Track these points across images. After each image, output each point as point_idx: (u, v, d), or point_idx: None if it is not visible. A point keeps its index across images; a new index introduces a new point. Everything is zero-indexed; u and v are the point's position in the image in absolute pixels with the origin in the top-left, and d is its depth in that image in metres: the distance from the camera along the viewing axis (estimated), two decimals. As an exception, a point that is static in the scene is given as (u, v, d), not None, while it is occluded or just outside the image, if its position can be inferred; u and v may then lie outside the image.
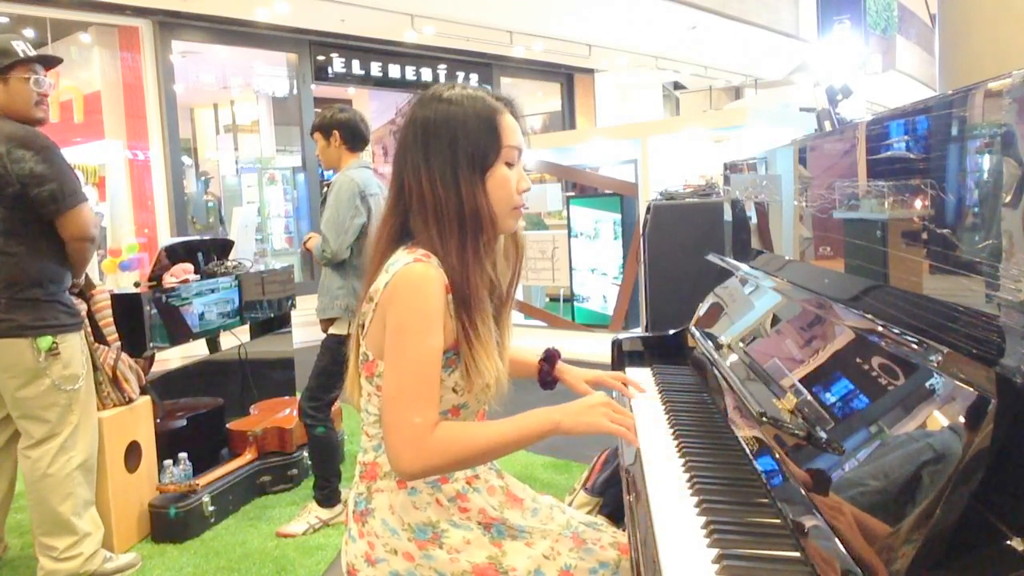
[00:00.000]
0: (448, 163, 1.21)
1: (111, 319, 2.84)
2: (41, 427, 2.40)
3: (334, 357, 2.97)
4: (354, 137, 3.06)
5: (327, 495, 3.02)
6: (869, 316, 1.12)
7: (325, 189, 3.12)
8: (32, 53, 2.38)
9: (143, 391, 2.94)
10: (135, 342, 2.97)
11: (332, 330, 3.00)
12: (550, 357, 1.57)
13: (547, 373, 1.56)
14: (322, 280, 3.03)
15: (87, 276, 2.77)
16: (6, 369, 2.34)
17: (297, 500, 3.25)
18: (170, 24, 8.30)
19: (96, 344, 2.70)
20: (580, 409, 1.23)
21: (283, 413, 3.56)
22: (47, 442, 2.41)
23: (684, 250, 2.70)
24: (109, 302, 2.86)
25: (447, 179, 1.21)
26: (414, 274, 1.17)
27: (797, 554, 0.95)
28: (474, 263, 1.22)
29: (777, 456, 1.12)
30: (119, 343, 2.84)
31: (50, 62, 2.46)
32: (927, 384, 0.89)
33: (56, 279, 2.41)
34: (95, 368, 2.65)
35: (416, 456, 1.12)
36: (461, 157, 1.22)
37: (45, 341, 2.34)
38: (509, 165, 1.26)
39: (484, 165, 1.23)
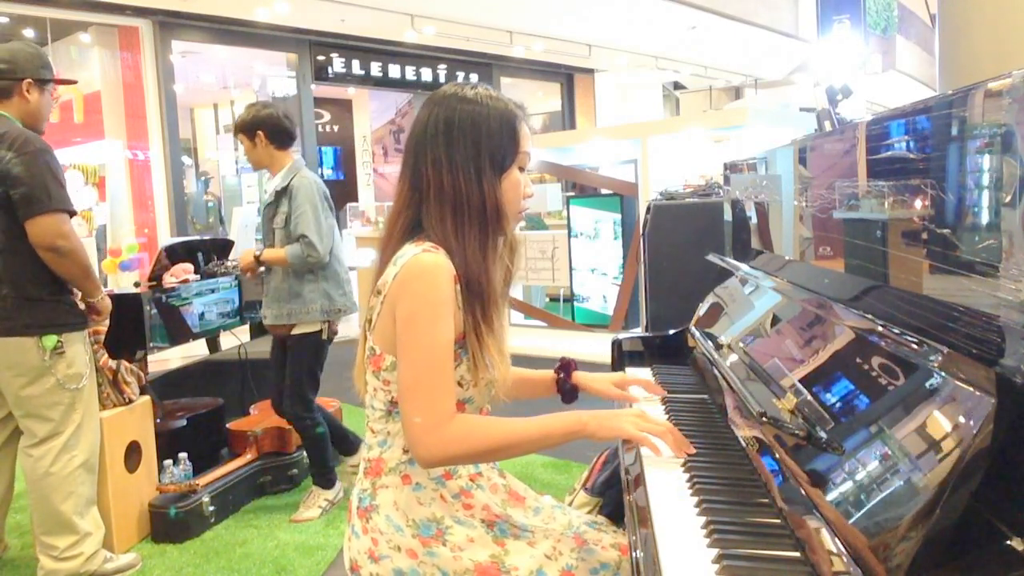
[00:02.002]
0: (472, 159, 1.25)
1: (101, 344, 2.81)
2: (44, 426, 2.41)
3: (317, 355, 3.00)
4: (279, 135, 2.97)
5: (329, 479, 3.15)
6: (869, 316, 1.12)
7: (266, 195, 3.04)
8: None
9: (143, 391, 2.94)
10: (135, 342, 2.97)
11: (304, 329, 2.97)
12: (565, 366, 1.55)
13: (565, 381, 1.54)
14: (278, 285, 2.96)
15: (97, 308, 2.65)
16: (11, 367, 2.35)
17: (297, 500, 3.25)
18: (170, 24, 8.29)
19: (96, 346, 2.70)
20: (610, 415, 1.26)
21: (283, 413, 3.56)
22: (50, 441, 2.42)
23: (684, 250, 2.70)
24: (104, 328, 2.78)
25: (470, 174, 1.24)
26: (424, 263, 1.19)
27: (797, 554, 0.95)
28: (492, 256, 1.26)
29: (777, 456, 1.12)
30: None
31: (69, 83, 2.88)
32: (927, 384, 0.89)
33: (59, 280, 2.41)
34: (96, 369, 2.65)
35: (435, 444, 1.15)
36: (484, 155, 1.25)
37: (50, 340, 2.35)
38: (521, 169, 1.30)
39: (502, 166, 1.27)
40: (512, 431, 1.21)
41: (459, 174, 1.24)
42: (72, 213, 2.39)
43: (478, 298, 1.22)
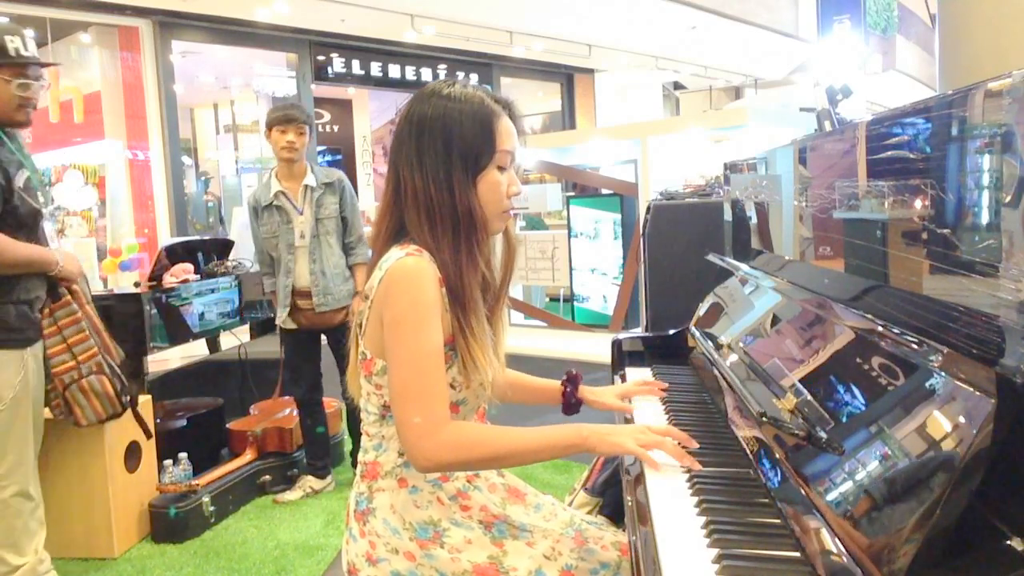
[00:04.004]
0: (441, 162, 1.21)
1: (85, 334, 2.35)
2: None
3: None
4: None
5: None
6: (869, 316, 1.12)
7: (279, 199, 3.16)
8: (26, 53, 2.15)
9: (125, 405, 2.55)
10: (135, 342, 2.97)
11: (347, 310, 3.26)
12: (573, 379, 1.54)
13: (571, 395, 1.53)
14: (331, 270, 3.18)
15: (57, 291, 2.30)
16: None
17: (298, 501, 3.25)
18: (170, 24, 8.29)
19: (60, 348, 2.31)
20: (611, 430, 1.24)
21: (283, 413, 3.56)
22: None
23: (684, 250, 2.69)
24: (78, 316, 2.34)
25: (440, 178, 1.21)
26: (407, 268, 1.17)
27: (797, 554, 0.95)
28: (467, 262, 1.22)
29: (777, 456, 1.12)
30: (95, 360, 2.39)
31: (37, 65, 2.19)
32: (927, 384, 0.89)
33: None
34: (48, 376, 2.32)
35: (431, 451, 1.14)
36: (454, 157, 1.21)
37: None
38: (501, 169, 1.25)
39: (476, 167, 1.23)
40: (511, 441, 1.19)
41: (429, 178, 1.21)
42: None
43: (459, 302, 1.20)
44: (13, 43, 2.14)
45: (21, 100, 2.15)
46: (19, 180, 2.11)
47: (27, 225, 2.16)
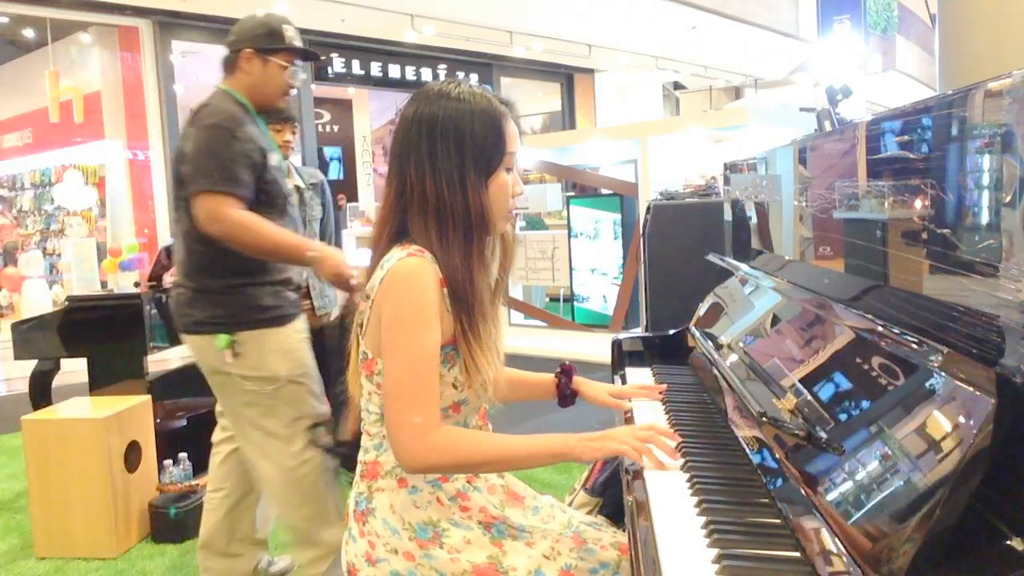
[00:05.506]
0: (455, 165, 1.21)
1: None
2: (235, 423, 2.18)
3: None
4: None
5: None
6: (869, 316, 1.12)
7: (303, 188, 3.10)
8: (298, 44, 2.22)
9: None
10: (135, 342, 2.98)
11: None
12: (567, 371, 1.56)
13: (566, 386, 1.54)
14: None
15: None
16: (200, 364, 2.15)
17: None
18: (170, 24, 8.29)
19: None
20: (596, 435, 1.25)
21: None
22: (266, 442, 2.11)
23: (684, 250, 2.70)
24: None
25: (453, 181, 1.20)
26: (408, 268, 1.17)
27: (797, 554, 0.95)
28: (478, 264, 1.23)
29: (777, 456, 1.12)
30: None
31: (311, 58, 2.40)
32: (927, 384, 0.89)
33: (241, 270, 2.06)
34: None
35: (419, 453, 1.15)
36: (468, 159, 1.21)
37: (222, 340, 2.05)
38: (508, 170, 1.26)
39: (488, 169, 1.23)
40: (498, 447, 1.21)
41: (442, 181, 1.20)
42: (240, 197, 1.99)
43: (464, 305, 1.20)
44: (288, 32, 2.20)
45: (287, 88, 2.20)
46: (272, 160, 2.13)
47: (278, 207, 2.13)
